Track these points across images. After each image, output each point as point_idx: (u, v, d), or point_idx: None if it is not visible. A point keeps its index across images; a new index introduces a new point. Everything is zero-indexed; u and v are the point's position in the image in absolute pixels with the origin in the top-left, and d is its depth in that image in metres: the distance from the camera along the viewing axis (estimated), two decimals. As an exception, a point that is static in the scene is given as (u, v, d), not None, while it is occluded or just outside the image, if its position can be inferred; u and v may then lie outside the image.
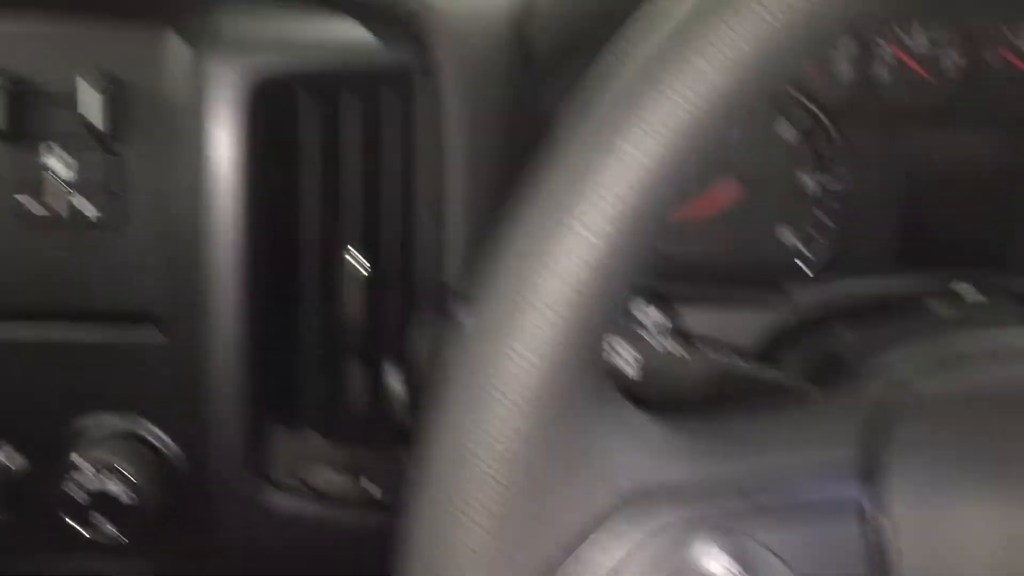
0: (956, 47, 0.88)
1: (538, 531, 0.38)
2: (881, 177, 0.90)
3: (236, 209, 0.64)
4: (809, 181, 0.90)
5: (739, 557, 0.40)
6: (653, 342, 0.56)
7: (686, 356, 0.56)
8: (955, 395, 0.43)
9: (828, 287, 0.85)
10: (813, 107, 0.88)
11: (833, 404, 0.44)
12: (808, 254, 0.90)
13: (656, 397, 0.54)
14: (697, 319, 0.85)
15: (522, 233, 0.38)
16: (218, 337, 0.65)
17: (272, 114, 0.67)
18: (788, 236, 0.91)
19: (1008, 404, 0.42)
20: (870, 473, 0.40)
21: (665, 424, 0.42)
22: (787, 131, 0.90)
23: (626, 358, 0.53)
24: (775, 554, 0.40)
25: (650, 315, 0.57)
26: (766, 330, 0.82)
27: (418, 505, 0.39)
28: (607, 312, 0.38)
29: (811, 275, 0.89)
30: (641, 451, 0.40)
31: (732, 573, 0.40)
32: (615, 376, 0.52)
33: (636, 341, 0.55)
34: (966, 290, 0.64)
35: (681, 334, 0.58)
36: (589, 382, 0.39)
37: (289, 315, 0.71)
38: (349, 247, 0.69)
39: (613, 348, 0.53)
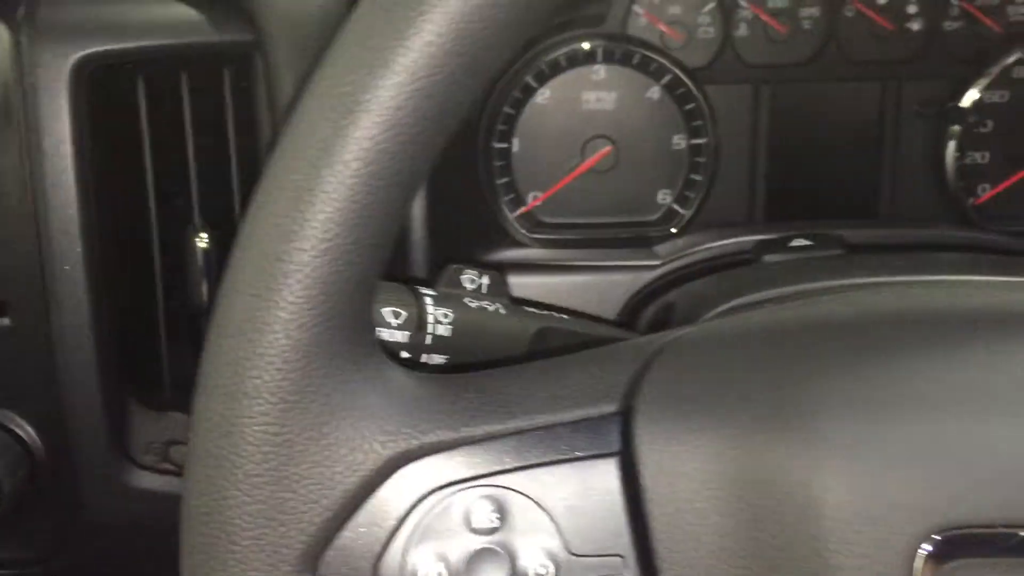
0: (814, 3, 0.89)
1: (299, 493, 0.39)
2: (748, 133, 0.92)
3: (74, 191, 0.65)
4: (678, 141, 0.92)
5: (500, 509, 0.41)
6: (469, 301, 0.57)
7: (501, 311, 0.57)
8: (713, 336, 0.45)
9: (694, 242, 0.87)
10: (676, 69, 0.89)
11: (614, 357, 0.45)
12: (682, 211, 0.92)
13: (465, 354, 0.55)
14: (567, 284, 0.87)
15: (273, 191, 0.39)
16: (66, 319, 0.66)
17: (107, 96, 0.67)
18: (663, 196, 0.92)
19: (763, 343, 0.43)
20: (627, 419, 0.41)
21: (432, 384, 0.43)
22: (656, 93, 0.91)
23: (436, 317, 0.54)
24: (536, 503, 0.41)
25: (471, 279, 0.58)
26: (631, 291, 0.83)
27: (190, 469, 0.41)
28: (359, 273, 0.39)
29: (680, 232, 0.90)
30: (403, 411, 0.41)
31: (493, 524, 0.41)
32: (404, 343, 0.53)
33: (451, 301, 0.56)
34: (799, 241, 0.66)
35: (503, 295, 0.59)
36: (348, 341, 0.40)
37: (143, 296, 0.72)
38: (196, 225, 0.70)
39: (424, 308, 0.54)
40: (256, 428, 0.38)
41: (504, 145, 0.91)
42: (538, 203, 0.92)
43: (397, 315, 0.54)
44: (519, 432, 0.42)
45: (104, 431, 0.69)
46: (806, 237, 0.67)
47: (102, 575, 0.74)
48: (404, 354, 0.54)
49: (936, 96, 0.90)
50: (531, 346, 0.59)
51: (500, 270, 0.86)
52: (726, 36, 0.90)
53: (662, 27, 0.90)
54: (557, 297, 0.85)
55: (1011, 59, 0.88)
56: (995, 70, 0.88)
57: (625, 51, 0.89)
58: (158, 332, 0.73)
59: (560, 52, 0.90)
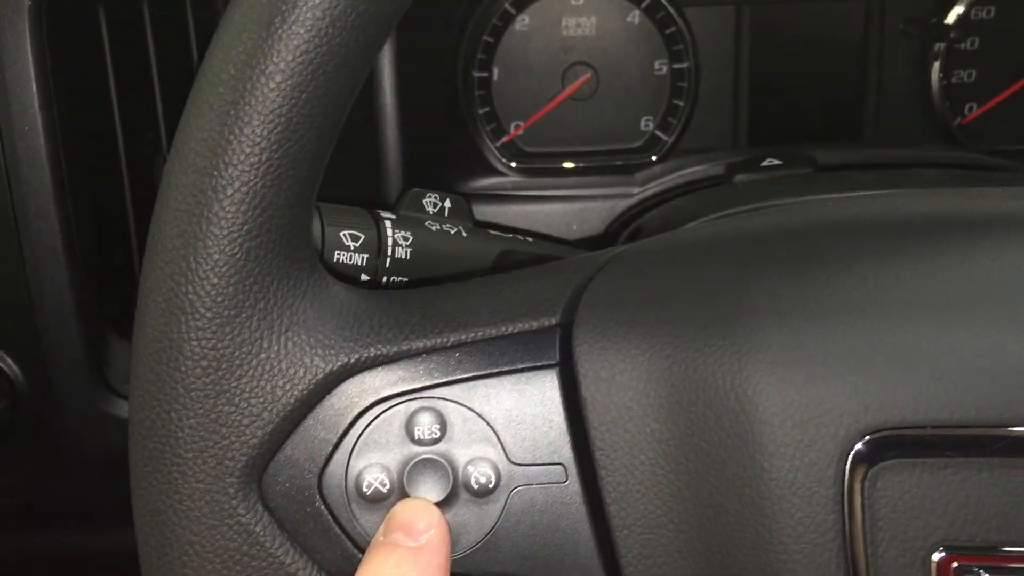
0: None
1: (240, 407, 0.40)
2: (730, 57, 0.91)
3: (39, 121, 0.65)
4: (660, 66, 0.91)
5: (441, 420, 0.42)
6: (430, 224, 0.57)
7: (463, 234, 0.58)
8: (655, 249, 0.45)
9: (673, 167, 0.86)
10: (655, -10, 0.88)
11: (558, 271, 0.45)
12: (664, 137, 0.91)
13: (426, 277, 0.55)
14: (546, 213, 0.87)
15: (200, 106, 0.39)
16: (39, 251, 0.67)
17: (70, 28, 0.67)
18: (645, 123, 0.92)
19: (703, 254, 0.43)
20: (566, 331, 0.42)
21: (373, 299, 0.43)
22: (636, 18, 0.90)
23: (396, 240, 0.55)
24: (477, 414, 0.42)
25: (433, 202, 0.58)
26: (609, 219, 0.83)
27: (133, 385, 0.41)
28: (292, 187, 0.39)
29: (662, 158, 0.90)
30: (343, 326, 0.41)
31: (435, 435, 0.42)
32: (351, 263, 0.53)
33: (411, 224, 0.56)
34: (771, 161, 0.65)
35: (466, 219, 0.59)
36: (285, 256, 0.40)
37: (116, 226, 0.72)
38: (165, 155, 0.70)
39: (383, 231, 0.54)
40: (193, 343, 0.39)
41: (484, 74, 0.91)
42: (519, 132, 0.92)
43: (356, 238, 0.54)
44: (460, 345, 0.42)
45: (83, 361, 0.70)
46: (778, 156, 0.67)
47: (86, 503, 0.75)
48: (364, 277, 0.54)
49: (920, 14, 0.89)
50: (493, 268, 0.59)
51: (477, 200, 0.87)
52: (705, -45, 0.88)
53: (641, -51, 0.88)
54: (535, 227, 0.85)
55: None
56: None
57: (600, -25, 0.88)
58: (132, 262, 0.73)
59: (533, -22, 0.89)
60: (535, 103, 0.91)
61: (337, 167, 0.65)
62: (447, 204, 0.59)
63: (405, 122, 0.79)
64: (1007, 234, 0.40)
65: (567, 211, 0.86)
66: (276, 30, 0.37)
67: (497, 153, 0.91)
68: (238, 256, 0.39)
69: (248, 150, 0.38)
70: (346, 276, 0.53)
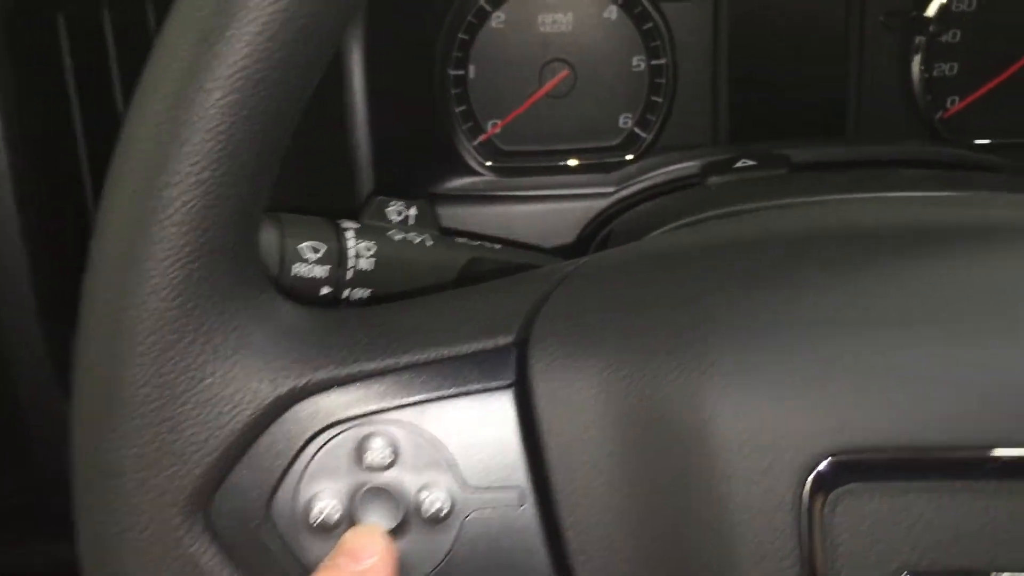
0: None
1: (184, 434, 0.39)
2: (708, 52, 0.89)
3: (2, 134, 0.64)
4: (638, 62, 0.89)
5: (394, 444, 0.41)
6: (394, 233, 0.56)
7: (428, 243, 0.56)
8: (614, 263, 0.43)
9: (650, 166, 0.85)
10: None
11: (516, 287, 0.44)
12: (643, 135, 0.90)
13: (390, 288, 0.54)
14: (522, 214, 0.85)
15: (138, 124, 0.38)
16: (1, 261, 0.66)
17: (31, 38, 0.66)
18: (624, 120, 0.90)
19: (662, 268, 0.42)
20: (522, 350, 0.41)
21: (324, 319, 0.42)
22: (613, 13, 0.88)
23: (358, 250, 0.53)
24: (430, 438, 0.41)
25: (398, 210, 0.57)
26: (585, 220, 0.82)
27: (74, 408, 0.40)
28: (235, 206, 0.38)
29: (641, 156, 0.89)
30: (292, 348, 0.40)
31: (387, 460, 0.41)
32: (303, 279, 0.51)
33: (374, 233, 0.55)
34: (745, 162, 0.64)
35: (432, 226, 0.57)
36: (229, 277, 0.39)
37: (80, 226, 0.71)
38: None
39: (344, 242, 0.53)
40: (135, 370, 0.38)
41: (460, 72, 0.89)
42: (497, 130, 0.91)
43: (316, 249, 0.53)
44: (413, 366, 0.41)
45: (46, 362, 0.69)
46: (753, 157, 0.65)
47: (52, 509, 0.74)
48: (325, 289, 0.53)
49: (902, 6, 0.87)
50: (460, 277, 0.58)
51: (452, 201, 0.85)
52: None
53: (618, -56, 0.87)
54: (512, 227, 0.84)
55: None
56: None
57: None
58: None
59: (509, -26, 0.87)
60: (512, 101, 0.90)
61: (308, 170, 0.65)
62: (412, 212, 0.58)
63: (377, 122, 0.78)
64: (972, 247, 0.39)
65: (543, 212, 0.85)
66: (214, 44, 0.36)
67: (474, 152, 0.90)
68: (179, 279, 0.37)
69: (187, 169, 0.37)
70: (306, 290, 0.52)
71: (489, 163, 0.90)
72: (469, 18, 0.88)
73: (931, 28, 0.85)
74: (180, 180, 0.37)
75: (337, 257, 0.53)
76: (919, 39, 0.86)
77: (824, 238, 0.41)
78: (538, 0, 0.88)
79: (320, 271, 0.52)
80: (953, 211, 0.42)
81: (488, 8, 0.88)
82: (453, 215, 0.84)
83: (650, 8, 0.87)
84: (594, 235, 0.76)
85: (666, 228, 0.55)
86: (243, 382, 0.39)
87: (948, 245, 0.39)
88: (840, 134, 0.90)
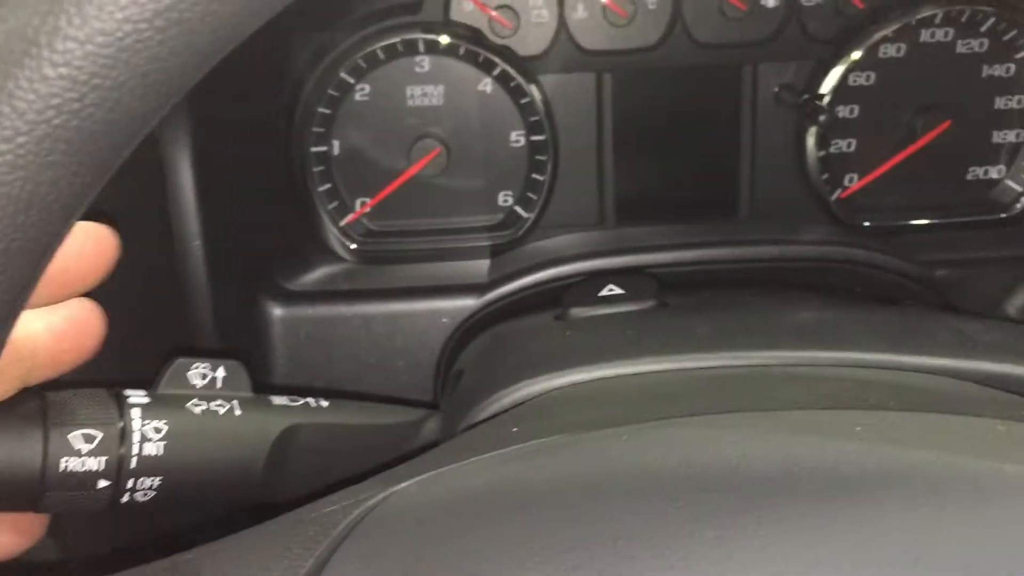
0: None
1: None
2: (592, 127, 0.83)
3: None
4: (516, 138, 0.82)
5: None
6: (195, 404, 0.48)
7: (236, 411, 0.49)
8: (405, 513, 0.37)
9: (530, 253, 0.79)
10: (507, 59, 0.79)
11: (296, 537, 0.37)
12: (525, 214, 0.83)
13: (187, 471, 0.47)
14: (386, 314, 0.78)
15: None
16: None
17: None
18: (504, 198, 0.84)
19: (459, 523, 0.35)
20: None
21: None
22: (487, 86, 0.81)
23: (144, 433, 0.46)
24: None
25: (202, 373, 0.49)
26: (452, 322, 0.75)
27: None
28: None
29: (523, 237, 0.82)
30: None
31: None
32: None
33: (168, 408, 0.47)
34: (610, 289, 0.57)
35: (243, 388, 0.50)
36: None
37: None
38: None
39: (128, 423, 0.46)
40: None
41: (323, 148, 0.82)
42: (366, 210, 0.83)
43: (90, 438, 0.45)
44: None
45: None
46: (619, 280, 0.59)
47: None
48: (103, 483, 0.46)
49: (796, 81, 0.81)
50: (275, 449, 0.50)
51: (308, 300, 0.78)
52: (561, 21, 0.80)
53: (489, 12, 0.80)
54: (373, 329, 0.77)
55: (876, 38, 0.79)
56: (859, 50, 0.80)
57: (449, 41, 0.80)
58: None
59: (377, 44, 0.80)
60: (382, 178, 0.82)
61: (132, 295, 0.56)
62: (219, 374, 0.50)
63: (214, 223, 0.70)
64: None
65: (407, 312, 0.78)
66: None
67: (339, 235, 0.83)
68: None
69: None
70: (78, 485, 0.45)
71: (355, 246, 0.82)
72: (330, 91, 0.80)
73: (828, 103, 0.79)
74: None
75: (118, 443, 0.46)
76: (815, 115, 0.80)
77: (662, 496, 0.34)
78: (405, 72, 0.81)
79: (95, 463, 0.45)
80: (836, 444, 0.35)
81: (351, 80, 0.80)
82: (311, 316, 0.77)
83: (523, 82, 0.80)
84: (455, 353, 0.69)
85: (508, 400, 0.48)
86: None
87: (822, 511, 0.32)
88: (732, 214, 0.84)
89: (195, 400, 0.49)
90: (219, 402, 0.50)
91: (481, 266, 0.81)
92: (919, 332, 0.51)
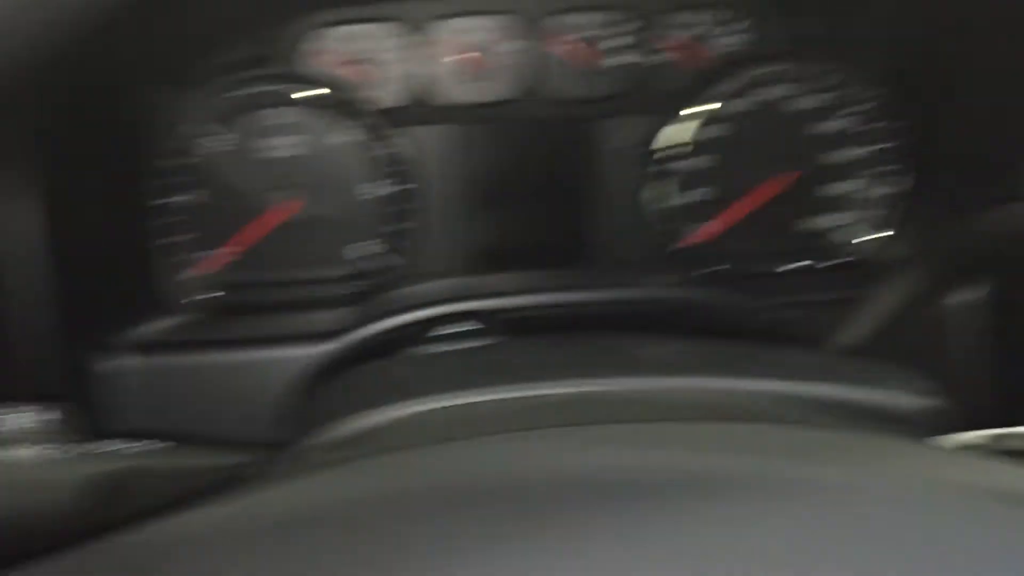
0: (514, 38, 0.82)
1: None
2: (448, 179, 0.84)
3: None
4: (371, 189, 0.83)
5: None
6: (11, 451, 0.47)
7: (58, 458, 0.48)
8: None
9: (388, 297, 0.79)
10: (362, 111, 0.81)
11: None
12: (385, 264, 0.84)
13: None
14: (238, 361, 0.78)
15: None
16: None
17: None
18: (354, 250, 0.84)
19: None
20: None
21: None
22: (342, 138, 0.83)
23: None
24: None
25: (20, 420, 0.48)
26: (314, 364, 0.75)
27: None
28: None
29: (380, 285, 0.83)
30: None
31: None
32: None
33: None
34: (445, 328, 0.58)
35: (69, 432, 0.49)
36: None
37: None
38: None
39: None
40: None
41: (173, 199, 0.81)
42: (221, 261, 0.83)
43: None
44: None
45: None
46: (455, 318, 0.60)
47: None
48: None
49: (644, 134, 0.85)
50: (95, 496, 0.49)
51: (157, 350, 0.76)
52: (417, 75, 0.82)
53: (345, 65, 0.81)
54: (223, 376, 0.76)
55: (718, 94, 0.83)
56: (702, 106, 0.83)
57: (304, 93, 0.81)
58: None
59: (230, 95, 0.80)
60: (234, 230, 0.82)
61: None
62: (39, 417, 0.49)
63: (57, 264, 0.68)
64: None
65: (258, 361, 0.77)
66: None
67: (191, 286, 0.82)
68: None
69: None
70: None
71: (207, 297, 0.82)
72: (186, 141, 0.80)
73: (677, 154, 0.82)
74: None
75: None
76: (660, 167, 0.83)
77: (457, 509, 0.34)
78: (264, 122, 0.82)
79: None
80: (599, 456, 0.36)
81: (207, 130, 0.80)
82: (159, 368, 0.76)
83: (382, 134, 0.81)
84: (304, 400, 0.69)
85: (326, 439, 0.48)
86: None
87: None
88: (578, 262, 0.87)
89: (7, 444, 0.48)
90: (32, 447, 0.48)
91: (335, 315, 0.81)
92: (736, 359, 0.53)
